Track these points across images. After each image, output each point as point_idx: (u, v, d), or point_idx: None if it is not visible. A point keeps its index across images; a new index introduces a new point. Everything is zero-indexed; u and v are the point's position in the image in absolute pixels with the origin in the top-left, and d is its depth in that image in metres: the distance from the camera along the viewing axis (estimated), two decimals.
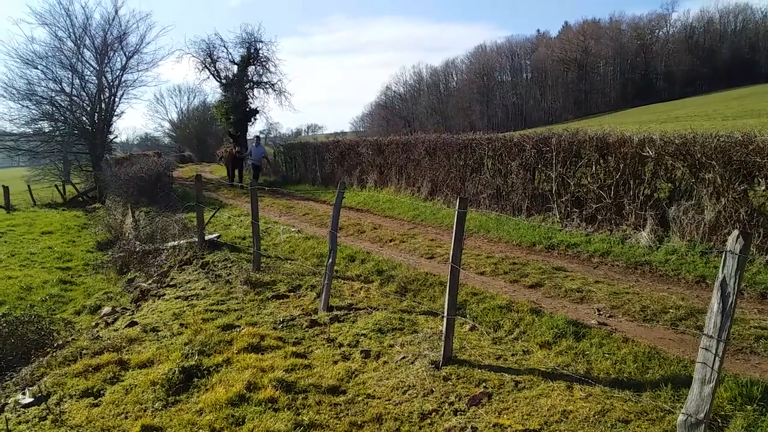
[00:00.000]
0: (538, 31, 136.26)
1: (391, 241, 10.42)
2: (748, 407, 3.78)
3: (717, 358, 3.08)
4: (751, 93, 67.29)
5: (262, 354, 5.73)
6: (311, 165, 23.44)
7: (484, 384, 4.71)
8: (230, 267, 9.40)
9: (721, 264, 3.11)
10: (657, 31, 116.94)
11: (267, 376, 5.09)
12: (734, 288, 3.11)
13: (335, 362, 5.53)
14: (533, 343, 5.41)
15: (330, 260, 7.14)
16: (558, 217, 10.41)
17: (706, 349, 3.14)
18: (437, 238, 10.29)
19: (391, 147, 17.50)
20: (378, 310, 6.82)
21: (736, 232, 3.14)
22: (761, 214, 7.60)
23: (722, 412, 3.81)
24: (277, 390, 4.83)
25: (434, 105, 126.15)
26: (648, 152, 8.90)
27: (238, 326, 6.62)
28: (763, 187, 7.61)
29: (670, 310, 5.84)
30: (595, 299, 6.44)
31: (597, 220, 9.64)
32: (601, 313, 6.04)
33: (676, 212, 8.36)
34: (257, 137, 23.98)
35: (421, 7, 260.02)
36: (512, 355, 5.27)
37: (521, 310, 6.09)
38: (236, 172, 22.59)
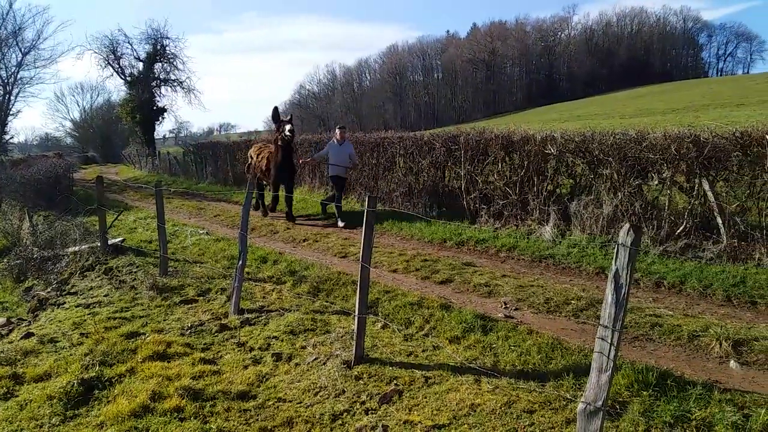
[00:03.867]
0: (448, 32, 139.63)
1: (304, 240, 10.30)
2: (644, 393, 3.96)
3: (612, 347, 3.19)
4: (647, 92, 71.49)
5: (169, 362, 5.48)
6: (223, 165, 22.85)
7: (395, 381, 4.70)
8: (135, 272, 8.99)
9: (614, 257, 3.22)
10: (559, 33, 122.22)
11: (173, 385, 4.87)
12: (627, 279, 3.23)
13: (245, 367, 5.37)
14: (443, 338, 5.47)
15: (240, 262, 6.95)
16: (467, 213, 10.62)
17: (602, 339, 3.24)
18: (351, 237, 10.26)
19: (304, 146, 17.32)
20: (290, 311, 6.71)
21: (627, 226, 3.25)
22: (654, 208, 8.04)
23: (620, 399, 3.96)
24: (183, 398, 4.63)
25: (348, 104, 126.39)
26: (550, 150, 9.22)
27: (144, 334, 6.32)
28: (656, 182, 8.05)
29: (572, 301, 6.06)
30: (502, 293, 6.59)
31: (504, 215, 9.90)
32: (508, 306, 6.19)
33: (577, 207, 8.71)
34: (341, 128, 12.44)
35: (334, 6, 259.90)
36: (423, 351, 5.31)
37: (432, 306, 6.15)
38: (281, 187, 12.90)
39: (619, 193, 8.28)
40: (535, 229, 9.12)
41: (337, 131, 12.26)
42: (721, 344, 4.73)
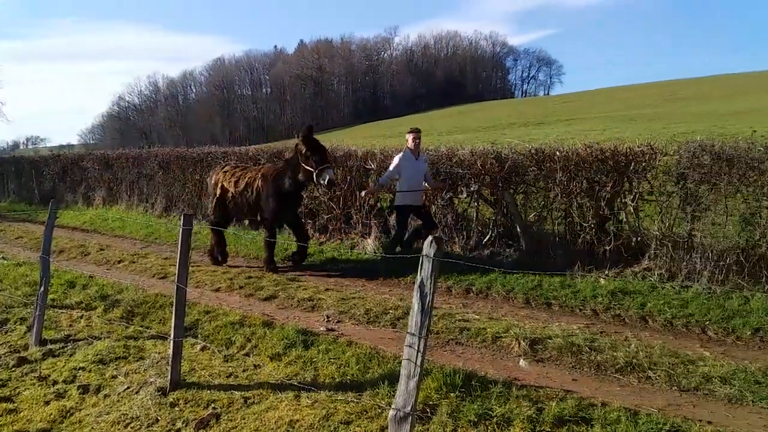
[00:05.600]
0: (276, 47, 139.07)
1: (120, 262, 9.65)
2: (452, 395, 4.20)
3: (419, 354, 3.35)
4: (462, 111, 76.68)
5: None
6: (27, 182, 20.72)
7: (213, 405, 4.55)
8: None
9: (419, 267, 3.39)
10: (382, 53, 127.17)
11: None
12: (431, 288, 3.41)
13: (47, 402, 4.89)
14: (264, 356, 5.39)
15: (42, 288, 6.32)
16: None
17: (410, 346, 3.39)
18: (172, 256, 9.77)
19: (121, 161, 16.30)
20: (100, 339, 6.22)
21: (430, 238, 3.44)
22: (464, 219, 8.62)
23: (431, 402, 4.16)
24: None
25: (173, 117, 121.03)
26: (371, 165, 9.53)
27: None
28: (465, 195, 8.64)
29: (390, 311, 6.29)
30: (325, 306, 6.66)
31: (329, 230, 10.04)
32: (330, 319, 6.27)
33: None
34: (416, 132, 8.45)
35: (155, 15, 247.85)
36: (243, 371, 5.19)
37: (254, 324, 6.04)
38: (291, 229, 9.37)
39: (433, 206, 8.77)
40: (358, 243, 9.35)
41: (410, 136, 8.31)
42: (519, 343, 5.17)
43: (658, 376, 4.47)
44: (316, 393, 4.50)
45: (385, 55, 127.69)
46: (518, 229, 8.01)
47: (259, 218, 8.87)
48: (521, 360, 4.95)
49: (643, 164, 7.24)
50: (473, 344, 5.41)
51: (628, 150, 7.26)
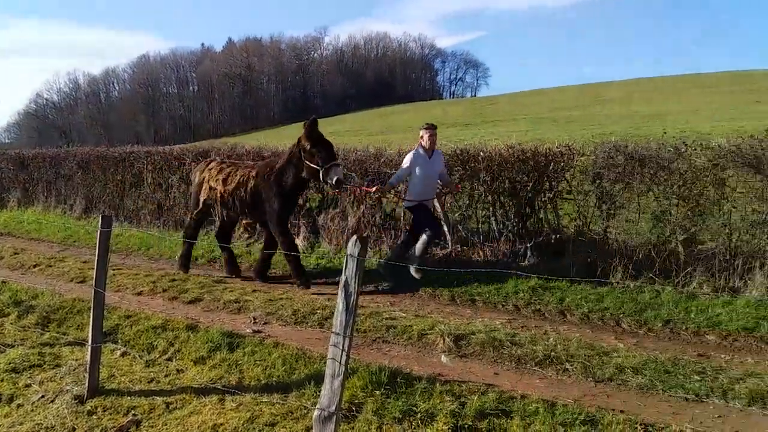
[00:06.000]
0: (203, 44, 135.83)
1: (36, 266, 9.21)
2: (377, 392, 4.24)
3: (344, 353, 3.37)
4: (392, 112, 77.19)
5: None
6: None
7: (133, 411, 4.44)
8: None
9: (344, 266, 3.42)
10: (312, 52, 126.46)
11: None
12: (355, 287, 3.45)
13: None
14: (188, 360, 5.28)
15: None
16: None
17: (334, 346, 3.41)
18: (91, 260, 9.36)
19: (38, 161, 15.55)
20: (13, 347, 5.94)
21: (354, 237, 3.47)
22: (392, 218, 8.71)
23: (357, 401, 4.20)
24: None
25: (95, 115, 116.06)
26: None
27: None
28: (392, 195, 8.72)
29: (318, 311, 6.28)
30: (252, 308, 6.58)
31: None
32: (257, 320, 6.20)
33: (325, 220, 9.08)
34: (431, 128, 7.41)
35: (73, 10, 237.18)
36: (165, 376, 5.07)
37: (177, 328, 5.91)
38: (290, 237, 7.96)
39: (362, 206, 8.82)
40: None
41: (425, 133, 7.38)
42: (444, 340, 5.27)
43: (575, 368, 4.66)
44: (241, 396, 4.46)
45: (315, 54, 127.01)
46: (445, 228, 8.16)
47: (252, 220, 8.25)
48: (443, 356, 5.05)
49: (562, 164, 7.53)
50: (399, 342, 5.48)
51: (547, 151, 7.53)
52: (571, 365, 4.70)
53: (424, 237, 7.14)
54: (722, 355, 4.98)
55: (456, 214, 8.36)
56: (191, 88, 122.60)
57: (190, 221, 8.53)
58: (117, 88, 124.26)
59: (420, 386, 4.28)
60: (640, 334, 5.59)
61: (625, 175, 7.15)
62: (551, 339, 5.25)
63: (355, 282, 3.45)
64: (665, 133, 8.60)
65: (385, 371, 4.46)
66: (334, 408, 3.38)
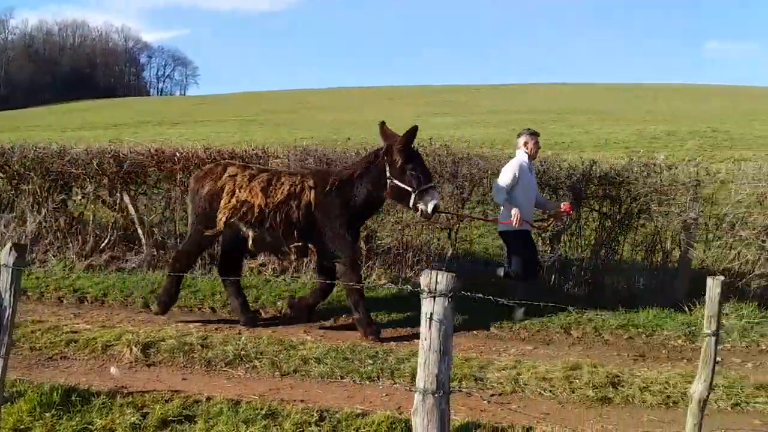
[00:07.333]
0: None
1: None
2: (47, 414, 3.83)
3: None
4: (92, 106, 70.57)
5: None
6: None
7: None
8: None
9: None
10: None
11: None
12: (10, 301, 3.11)
13: None
14: None
15: None
16: None
17: None
18: None
19: None
20: None
21: (9, 245, 3.14)
22: (80, 222, 8.03)
23: (22, 426, 3.76)
24: None
25: None
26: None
27: None
28: (79, 197, 8.05)
29: None
30: None
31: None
32: None
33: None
34: (534, 132, 6.23)
35: None
36: None
37: None
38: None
39: (43, 209, 7.96)
40: None
41: (530, 140, 6.13)
42: (132, 350, 5.00)
43: (263, 364, 4.81)
44: None
45: (0, 38, 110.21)
46: (139, 231, 7.77)
47: (300, 245, 5.76)
48: (112, 368, 4.79)
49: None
50: (81, 356, 5.05)
51: (244, 152, 7.66)
52: (260, 362, 4.84)
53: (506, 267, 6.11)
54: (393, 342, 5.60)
55: (153, 216, 8.05)
56: None
57: (187, 249, 6.33)
58: None
59: (98, 402, 3.98)
60: (326, 326, 6.02)
61: None
62: (243, 338, 5.34)
63: (10, 295, 3.12)
64: (349, 139, 9.45)
65: (58, 390, 4.06)
66: None
